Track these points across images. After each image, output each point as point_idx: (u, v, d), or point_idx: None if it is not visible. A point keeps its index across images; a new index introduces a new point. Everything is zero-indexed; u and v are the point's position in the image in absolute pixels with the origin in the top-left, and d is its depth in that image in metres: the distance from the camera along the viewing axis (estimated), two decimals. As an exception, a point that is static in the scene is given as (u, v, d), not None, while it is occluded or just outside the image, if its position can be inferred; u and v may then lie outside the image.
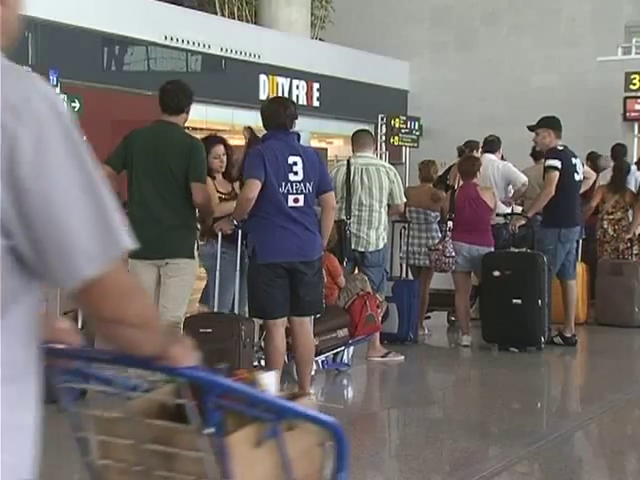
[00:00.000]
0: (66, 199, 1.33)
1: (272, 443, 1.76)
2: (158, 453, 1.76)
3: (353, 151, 7.19)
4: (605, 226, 9.21)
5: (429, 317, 8.49)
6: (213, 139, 6.27)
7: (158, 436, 1.75)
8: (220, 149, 6.05)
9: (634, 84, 16.71)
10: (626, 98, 16.80)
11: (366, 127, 8.18)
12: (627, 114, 16.87)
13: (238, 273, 5.63)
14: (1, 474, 1.33)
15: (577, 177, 7.75)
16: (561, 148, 7.63)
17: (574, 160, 7.69)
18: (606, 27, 17.14)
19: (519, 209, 8.54)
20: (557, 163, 7.50)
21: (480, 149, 9.01)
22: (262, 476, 1.80)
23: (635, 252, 9.23)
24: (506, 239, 8.10)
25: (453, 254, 7.59)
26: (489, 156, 8.68)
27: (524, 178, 8.46)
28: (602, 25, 17.23)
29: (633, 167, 10.21)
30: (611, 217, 9.22)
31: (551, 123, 7.75)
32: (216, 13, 17.02)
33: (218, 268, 5.69)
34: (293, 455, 1.83)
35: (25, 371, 1.39)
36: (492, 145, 8.86)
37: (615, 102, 16.67)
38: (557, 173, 7.48)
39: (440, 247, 7.68)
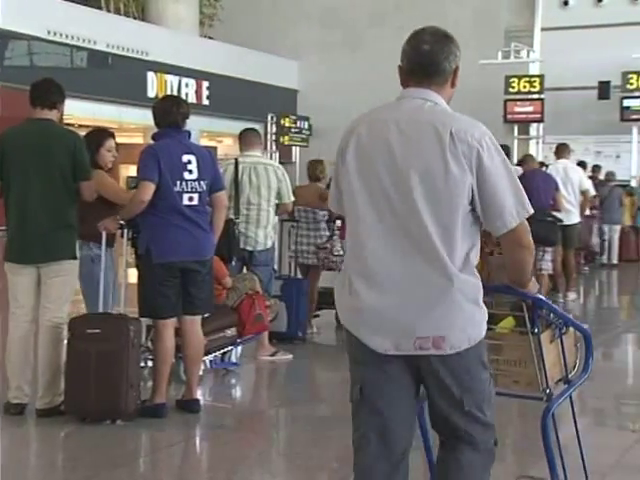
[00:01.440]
0: (502, 185, 2.62)
1: (557, 341, 3.11)
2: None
3: (241, 150, 7.20)
4: None
5: (318, 315, 8.55)
6: (105, 132, 6.11)
7: (490, 335, 2.91)
8: (112, 143, 5.90)
9: (513, 87, 17.29)
10: (506, 101, 17.37)
11: (256, 126, 8.19)
12: (507, 116, 17.44)
13: (103, 273, 5.48)
14: None
15: None
16: None
17: None
18: (487, 32, 17.67)
19: None
20: None
21: None
22: (552, 360, 3.10)
23: None
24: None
25: (341, 252, 7.68)
26: None
27: None
28: (483, 30, 17.74)
29: (517, 168, 10.78)
30: None
31: None
32: (101, 8, 16.68)
33: (103, 268, 5.55)
34: (565, 349, 3.15)
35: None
36: None
37: (496, 104, 17.21)
38: None
39: (328, 246, 7.76)
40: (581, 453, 3.37)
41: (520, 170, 10.40)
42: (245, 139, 7.19)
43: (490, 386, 2.80)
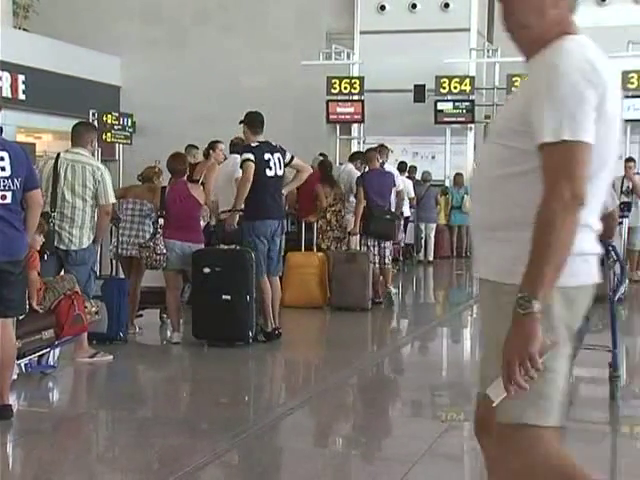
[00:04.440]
0: None
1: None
2: None
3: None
4: (329, 217, 10.33)
5: (141, 315, 8.45)
6: None
7: None
8: None
9: (335, 88, 17.65)
10: (328, 101, 17.71)
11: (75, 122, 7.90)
12: (329, 117, 17.78)
13: None
14: None
15: (269, 172, 7.82)
16: (255, 144, 7.87)
17: (267, 155, 7.84)
18: (309, 33, 17.95)
19: None
20: (251, 156, 7.71)
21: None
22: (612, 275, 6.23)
23: (353, 242, 10.44)
24: (216, 235, 8.30)
25: (164, 251, 7.62)
26: (236, 156, 9.11)
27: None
28: (305, 31, 18.01)
29: (345, 165, 11.43)
30: (333, 209, 10.38)
31: None
32: None
33: None
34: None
35: None
36: (239, 147, 9.16)
37: (319, 105, 17.52)
38: (252, 164, 7.67)
39: (151, 244, 7.68)
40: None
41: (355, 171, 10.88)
42: (73, 135, 7.02)
43: None
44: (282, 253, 8.24)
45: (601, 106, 2.38)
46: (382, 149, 11.34)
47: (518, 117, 2.46)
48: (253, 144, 7.86)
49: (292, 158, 8.02)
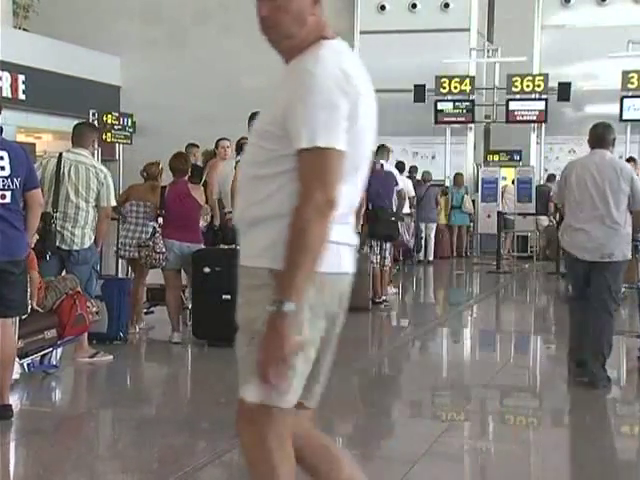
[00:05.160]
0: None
1: None
2: None
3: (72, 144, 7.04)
4: None
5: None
6: None
7: None
8: None
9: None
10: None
11: (77, 122, 7.92)
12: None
13: None
14: None
15: None
16: None
17: None
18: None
19: None
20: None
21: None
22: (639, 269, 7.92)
23: None
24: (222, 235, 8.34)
25: (163, 250, 7.63)
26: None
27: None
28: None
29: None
30: None
31: None
32: None
33: None
34: None
35: None
36: (243, 148, 9.21)
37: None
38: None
39: (150, 243, 7.69)
40: None
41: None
42: (74, 135, 7.01)
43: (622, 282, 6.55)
44: None
45: (353, 114, 2.41)
46: (382, 149, 11.35)
47: (277, 121, 2.45)
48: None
49: None
